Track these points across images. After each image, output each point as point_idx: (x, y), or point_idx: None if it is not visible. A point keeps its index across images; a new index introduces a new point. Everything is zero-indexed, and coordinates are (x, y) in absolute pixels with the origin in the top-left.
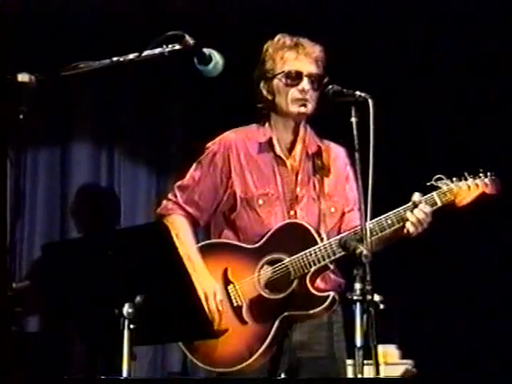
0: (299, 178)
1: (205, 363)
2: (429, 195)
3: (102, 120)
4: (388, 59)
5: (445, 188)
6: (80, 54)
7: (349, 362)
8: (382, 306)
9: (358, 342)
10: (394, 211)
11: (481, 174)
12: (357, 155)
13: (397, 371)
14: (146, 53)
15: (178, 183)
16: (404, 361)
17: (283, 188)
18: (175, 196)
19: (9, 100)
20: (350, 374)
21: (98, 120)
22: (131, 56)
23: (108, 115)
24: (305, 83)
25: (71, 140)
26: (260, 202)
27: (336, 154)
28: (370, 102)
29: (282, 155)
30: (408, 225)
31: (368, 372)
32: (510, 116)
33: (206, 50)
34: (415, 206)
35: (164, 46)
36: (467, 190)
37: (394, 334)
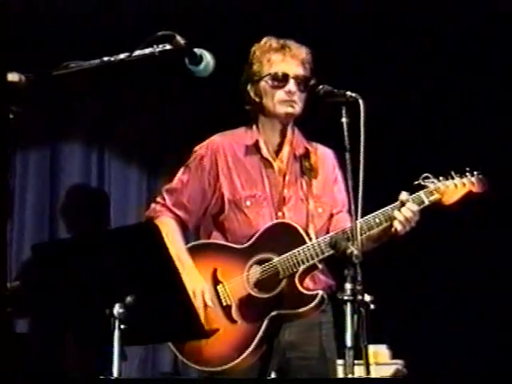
0: (286, 180)
1: (194, 363)
2: (416, 194)
3: (93, 120)
4: (377, 59)
5: (432, 187)
6: (77, 53)
7: (339, 362)
8: (372, 306)
9: (349, 342)
10: (382, 210)
11: (467, 173)
12: (347, 155)
13: (387, 371)
14: (136, 53)
15: (166, 187)
16: (394, 361)
17: (270, 190)
18: (163, 199)
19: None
20: (340, 374)
21: (88, 120)
22: (122, 56)
23: (98, 116)
24: (291, 85)
25: (61, 140)
26: (248, 203)
27: (324, 156)
28: (361, 102)
29: (269, 157)
30: (396, 223)
31: (359, 372)
32: (497, 115)
33: (197, 50)
34: (403, 204)
35: (155, 46)
36: (454, 188)
37: (385, 334)
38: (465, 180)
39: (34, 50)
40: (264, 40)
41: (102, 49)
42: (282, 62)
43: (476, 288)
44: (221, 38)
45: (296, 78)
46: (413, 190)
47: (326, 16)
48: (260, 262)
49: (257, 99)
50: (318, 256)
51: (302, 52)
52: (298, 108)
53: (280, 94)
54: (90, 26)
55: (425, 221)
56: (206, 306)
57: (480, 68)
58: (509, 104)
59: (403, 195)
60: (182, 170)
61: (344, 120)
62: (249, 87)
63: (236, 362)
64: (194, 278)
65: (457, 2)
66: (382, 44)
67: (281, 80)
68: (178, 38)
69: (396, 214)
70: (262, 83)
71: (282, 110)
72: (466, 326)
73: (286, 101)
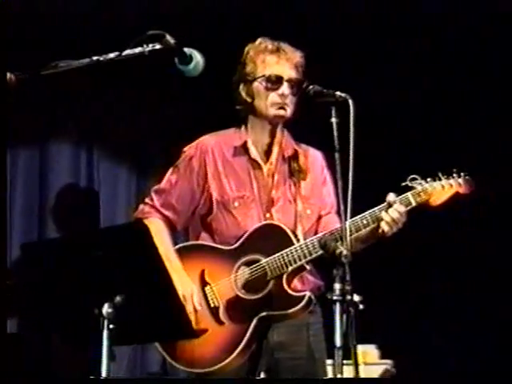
0: (275, 181)
1: (182, 364)
2: (403, 195)
3: (82, 120)
4: (377, 59)
5: (419, 188)
6: (77, 53)
7: (328, 362)
8: (361, 306)
9: (338, 342)
10: (369, 211)
11: (454, 174)
12: (337, 156)
13: (376, 371)
14: (126, 52)
15: (155, 187)
16: (383, 361)
17: (259, 191)
18: (152, 200)
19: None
20: (329, 374)
21: (77, 120)
22: (111, 55)
23: (87, 115)
24: (285, 88)
25: (50, 140)
26: (236, 204)
27: (313, 157)
28: (351, 102)
29: (258, 159)
30: (383, 224)
31: (348, 372)
32: (497, 115)
33: (187, 50)
34: (390, 205)
35: (144, 46)
36: (441, 189)
37: (374, 334)
38: (452, 181)
39: (34, 50)
40: (258, 41)
41: (102, 49)
42: (277, 64)
43: (476, 288)
44: (218, 38)
45: (289, 81)
46: (400, 191)
47: (326, 16)
48: (248, 264)
49: (248, 99)
50: (305, 257)
51: (297, 55)
52: (289, 111)
53: (273, 97)
54: (89, 26)
55: (422, 220)
56: (195, 309)
57: (480, 68)
58: (509, 104)
59: (390, 196)
60: (170, 170)
61: (333, 120)
62: (241, 87)
63: (224, 363)
64: (183, 280)
65: (457, 2)
66: (381, 44)
67: (275, 82)
68: (168, 37)
69: (383, 215)
70: (255, 84)
71: (273, 112)
72: (465, 326)
73: (278, 103)
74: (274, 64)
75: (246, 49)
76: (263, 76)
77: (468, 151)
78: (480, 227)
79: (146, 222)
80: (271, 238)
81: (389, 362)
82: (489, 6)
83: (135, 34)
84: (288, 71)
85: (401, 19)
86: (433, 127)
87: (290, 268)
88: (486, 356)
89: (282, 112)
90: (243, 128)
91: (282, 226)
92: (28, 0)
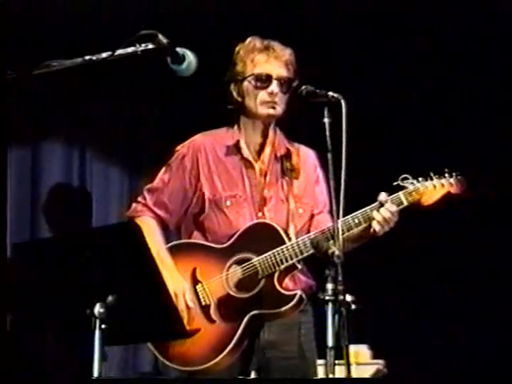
0: (267, 180)
1: (173, 362)
2: (395, 195)
3: (74, 120)
4: (377, 59)
5: (411, 188)
6: (77, 53)
7: (320, 362)
8: (353, 306)
9: (330, 342)
10: (361, 211)
11: (446, 174)
12: (329, 156)
13: (368, 371)
14: (118, 52)
15: (148, 186)
16: (375, 361)
17: (251, 190)
18: (144, 198)
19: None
20: (321, 374)
21: (70, 120)
22: (104, 55)
23: (80, 115)
24: (274, 86)
25: (42, 140)
26: (228, 203)
27: (305, 156)
28: (343, 102)
29: (250, 158)
30: (374, 224)
31: (340, 372)
32: (497, 115)
33: (180, 50)
34: (381, 205)
35: (137, 45)
36: (433, 189)
37: (366, 334)
38: (443, 181)
39: (34, 50)
40: (248, 40)
41: (101, 49)
42: (266, 62)
43: (475, 288)
44: (218, 38)
45: (279, 79)
46: (392, 190)
47: (326, 16)
48: (239, 262)
49: (239, 99)
50: (297, 256)
51: (286, 53)
52: (279, 109)
53: (262, 95)
54: (89, 26)
55: (421, 220)
56: (188, 307)
57: (480, 68)
58: (509, 104)
59: (382, 196)
60: (163, 169)
61: (326, 120)
62: (232, 87)
63: (214, 361)
64: (174, 278)
65: (457, 1)
66: (381, 44)
67: (264, 81)
68: (161, 37)
69: (374, 214)
70: (245, 83)
71: (263, 111)
72: (465, 326)
73: (268, 102)
74: (263, 63)
75: (237, 48)
76: (252, 75)
77: (468, 151)
78: (480, 227)
79: (139, 220)
80: (263, 236)
81: (380, 361)
82: (489, 6)
83: (135, 33)
84: (277, 69)
85: (401, 19)
86: (432, 127)
87: (282, 267)
88: (486, 356)
89: (271, 111)
90: (236, 127)
91: (274, 224)
92: (28, 0)
